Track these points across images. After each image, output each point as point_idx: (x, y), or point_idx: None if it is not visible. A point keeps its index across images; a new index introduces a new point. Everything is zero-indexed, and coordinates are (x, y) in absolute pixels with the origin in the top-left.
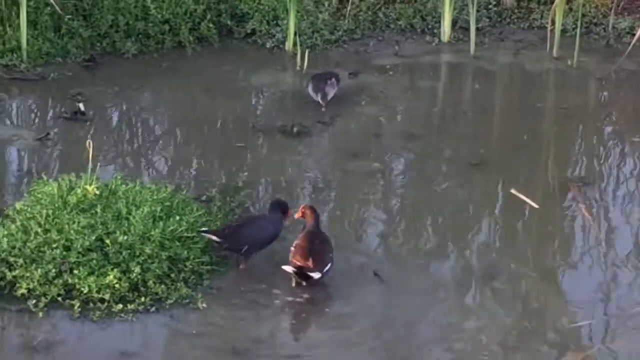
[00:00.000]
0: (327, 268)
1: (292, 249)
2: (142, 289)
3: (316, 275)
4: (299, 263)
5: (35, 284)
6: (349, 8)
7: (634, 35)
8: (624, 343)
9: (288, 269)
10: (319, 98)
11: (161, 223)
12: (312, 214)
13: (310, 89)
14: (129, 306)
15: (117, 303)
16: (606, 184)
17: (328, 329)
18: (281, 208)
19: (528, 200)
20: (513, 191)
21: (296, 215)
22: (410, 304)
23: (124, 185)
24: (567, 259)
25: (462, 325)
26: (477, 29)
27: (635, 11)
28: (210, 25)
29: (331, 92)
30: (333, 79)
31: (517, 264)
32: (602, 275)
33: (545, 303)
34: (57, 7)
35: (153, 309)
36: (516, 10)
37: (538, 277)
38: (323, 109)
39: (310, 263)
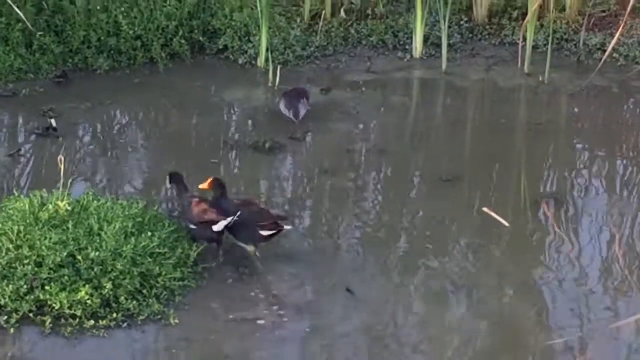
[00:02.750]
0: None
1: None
2: (113, 304)
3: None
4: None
5: (7, 300)
6: (320, 24)
7: (604, 51)
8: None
9: (266, 232)
10: (291, 115)
11: (133, 239)
12: (218, 185)
13: (282, 107)
14: (101, 322)
15: (88, 319)
16: (578, 200)
17: (299, 344)
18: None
19: (499, 218)
20: (485, 209)
21: (203, 186)
22: (384, 320)
23: (95, 201)
24: (540, 275)
25: (435, 341)
26: (449, 45)
27: (606, 27)
28: (182, 41)
29: (303, 111)
30: (304, 99)
31: (489, 281)
32: (575, 291)
33: (519, 320)
34: (28, 24)
35: (125, 324)
36: (487, 27)
37: (511, 293)
38: (296, 128)
39: (281, 213)
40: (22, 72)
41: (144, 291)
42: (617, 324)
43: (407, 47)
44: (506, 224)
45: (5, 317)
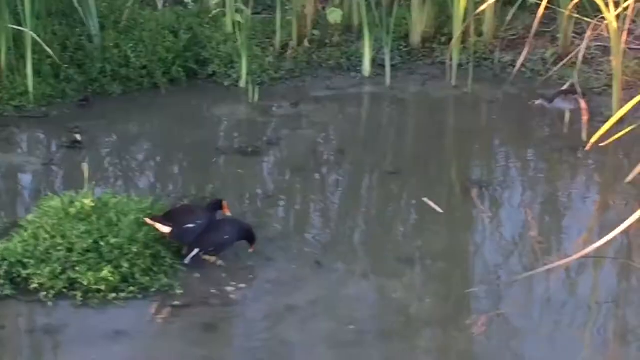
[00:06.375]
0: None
1: None
2: (130, 280)
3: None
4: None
5: (45, 279)
6: (289, 52)
7: (514, 66)
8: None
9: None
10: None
11: (145, 228)
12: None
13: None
14: (121, 294)
15: (111, 292)
16: (498, 187)
17: (283, 306)
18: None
19: (434, 206)
20: (425, 199)
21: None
22: (347, 288)
23: (113, 199)
24: (467, 244)
25: (387, 296)
26: (392, 66)
27: (516, 48)
28: (179, 69)
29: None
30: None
31: (428, 250)
32: (495, 256)
33: (451, 279)
34: (56, 59)
35: (140, 296)
36: (422, 50)
37: (446, 260)
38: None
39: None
40: (52, 98)
41: (155, 269)
42: (527, 274)
43: (358, 68)
44: (440, 210)
45: (45, 293)
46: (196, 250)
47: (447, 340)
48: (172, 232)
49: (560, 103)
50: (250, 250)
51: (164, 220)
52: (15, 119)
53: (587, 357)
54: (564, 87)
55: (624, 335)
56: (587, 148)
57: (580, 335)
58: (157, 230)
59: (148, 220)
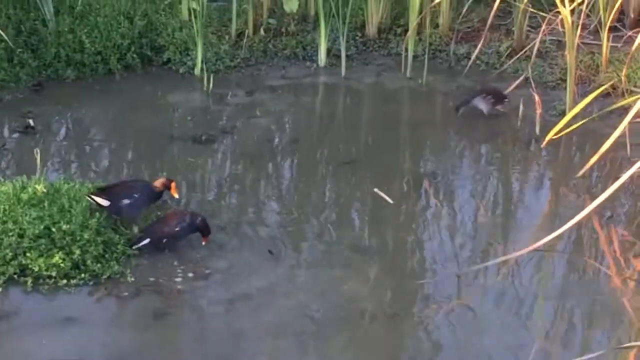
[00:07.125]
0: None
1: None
2: (82, 267)
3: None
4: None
5: None
6: (245, 41)
7: (469, 59)
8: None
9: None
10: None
11: (97, 214)
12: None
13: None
14: (72, 281)
15: (62, 279)
16: (453, 178)
17: (234, 295)
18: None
19: (386, 197)
20: (376, 190)
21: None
22: (299, 278)
23: (66, 184)
24: (418, 236)
25: (338, 285)
26: (347, 56)
27: (471, 40)
28: (134, 55)
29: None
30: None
31: (380, 239)
32: (446, 248)
33: (402, 270)
34: (10, 43)
35: (91, 282)
36: (377, 41)
37: (397, 251)
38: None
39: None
40: (6, 82)
41: (107, 256)
42: (478, 267)
43: (313, 58)
44: (390, 201)
45: None
46: (147, 240)
47: (398, 330)
48: (110, 205)
49: (478, 101)
50: (204, 243)
51: (102, 194)
52: None
53: (536, 347)
54: (515, 83)
55: (570, 327)
56: (543, 145)
57: (530, 327)
58: (97, 204)
59: (95, 198)
